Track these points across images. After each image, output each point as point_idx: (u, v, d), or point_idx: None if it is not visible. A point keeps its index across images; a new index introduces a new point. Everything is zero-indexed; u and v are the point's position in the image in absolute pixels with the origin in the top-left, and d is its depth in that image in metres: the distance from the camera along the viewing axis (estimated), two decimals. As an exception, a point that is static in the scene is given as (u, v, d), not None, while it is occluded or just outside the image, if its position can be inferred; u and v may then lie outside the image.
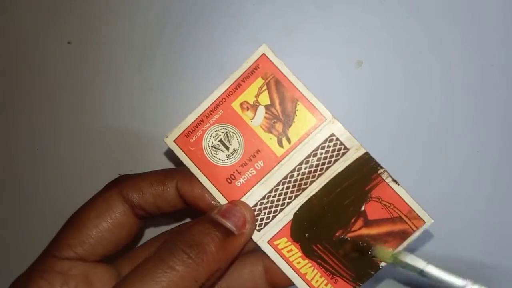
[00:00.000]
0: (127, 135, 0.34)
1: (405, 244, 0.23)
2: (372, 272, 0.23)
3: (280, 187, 0.23)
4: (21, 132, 0.35)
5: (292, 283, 0.24)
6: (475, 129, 0.34)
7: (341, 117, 0.34)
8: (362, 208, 0.23)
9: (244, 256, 0.25)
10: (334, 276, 0.23)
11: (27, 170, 0.35)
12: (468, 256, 0.33)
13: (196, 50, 0.34)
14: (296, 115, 0.23)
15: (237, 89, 0.23)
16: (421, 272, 0.21)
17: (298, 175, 0.23)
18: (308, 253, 0.23)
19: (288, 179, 0.23)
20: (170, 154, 0.34)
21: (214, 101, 0.23)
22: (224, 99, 0.23)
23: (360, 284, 0.23)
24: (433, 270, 0.21)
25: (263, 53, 0.23)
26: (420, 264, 0.21)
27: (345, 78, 0.34)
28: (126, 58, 0.35)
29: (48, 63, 0.35)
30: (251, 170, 0.23)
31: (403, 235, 0.23)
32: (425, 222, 0.23)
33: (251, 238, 0.24)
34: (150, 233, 0.33)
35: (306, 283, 0.23)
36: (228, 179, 0.23)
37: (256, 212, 0.23)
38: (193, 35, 0.34)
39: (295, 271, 0.23)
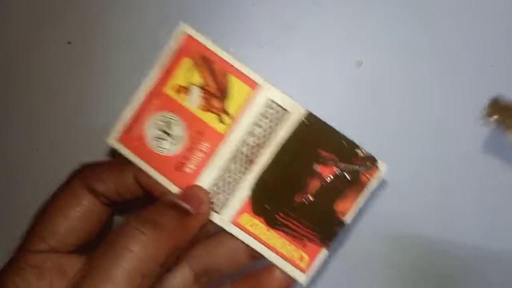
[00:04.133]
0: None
1: (364, 195, 0.22)
2: (338, 229, 0.22)
3: (232, 165, 0.23)
4: (21, 132, 0.35)
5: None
6: (475, 129, 0.34)
7: (341, 117, 0.34)
8: (316, 169, 0.22)
9: (221, 233, 0.25)
10: (302, 240, 0.23)
11: (27, 170, 0.35)
12: (469, 255, 0.33)
13: (196, 50, 0.34)
14: (230, 88, 0.22)
15: (166, 74, 0.22)
16: None
17: (246, 149, 0.22)
18: (273, 224, 0.23)
19: (237, 154, 0.23)
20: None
21: (147, 91, 0.22)
22: (156, 87, 0.22)
23: (329, 243, 0.22)
24: None
25: (185, 32, 0.22)
26: None
27: (345, 78, 0.34)
28: (126, 58, 0.35)
29: (47, 63, 0.35)
30: (198, 154, 0.23)
31: (360, 187, 0.22)
32: (379, 169, 0.22)
33: (211, 221, 0.23)
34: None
35: (277, 254, 0.23)
36: (177, 167, 0.23)
37: (212, 194, 0.23)
38: (193, 35, 0.34)
39: (263, 245, 0.23)
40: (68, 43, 0.35)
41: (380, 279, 0.33)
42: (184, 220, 0.21)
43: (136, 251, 0.19)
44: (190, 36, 0.22)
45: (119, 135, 0.23)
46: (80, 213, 0.23)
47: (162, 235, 0.20)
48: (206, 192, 0.23)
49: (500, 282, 0.33)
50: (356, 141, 0.23)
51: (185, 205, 0.22)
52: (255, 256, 0.24)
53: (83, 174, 0.24)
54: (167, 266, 0.20)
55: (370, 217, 0.33)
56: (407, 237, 0.33)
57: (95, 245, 0.24)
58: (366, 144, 0.35)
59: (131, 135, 0.23)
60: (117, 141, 0.23)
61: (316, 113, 0.33)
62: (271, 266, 0.23)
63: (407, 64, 0.33)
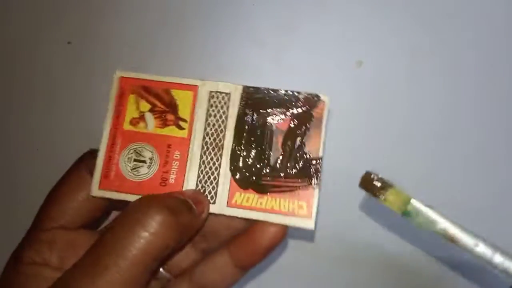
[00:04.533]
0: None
1: (324, 127, 0.25)
2: (318, 166, 0.24)
3: (205, 158, 0.25)
4: (21, 132, 0.35)
5: (260, 258, 0.25)
6: (476, 129, 0.34)
7: (341, 117, 0.34)
8: (274, 127, 0.25)
9: (211, 252, 0.26)
10: (294, 192, 0.25)
11: (27, 170, 0.35)
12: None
13: (195, 50, 0.35)
14: (177, 99, 0.25)
15: (120, 115, 0.25)
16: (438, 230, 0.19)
17: (209, 138, 0.25)
18: (262, 190, 0.25)
19: (205, 147, 0.25)
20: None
21: (109, 135, 0.25)
22: (115, 129, 0.25)
23: (317, 182, 0.24)
24: (453, 231, 0.19)
25: (121, 76, 0.26)
26: (439, 222, 0.19)
27: (345, 78, 0.34)
28: (125, 58, 0.35)
29: (48, 63, 0.35)
30: (174, 163, 0.25)
31: (317, 122, 0.25)
32: (324, 101, 0.25)
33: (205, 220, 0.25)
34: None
35: (277, 214, 0.25)
36: (161, 183, 0.25)
37: (201, 191, 0.25)
38: (193, 35, 0.34)
39: (263, 212, 0.24)
40: (68, 43, 0.35)
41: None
42: (193, 219, 0.23)
43: (151, 232, 0.20)
44: (125, 78, 0.26)
45: (99, 184, 0.25)
46: (86, 195, 0.24)
47: (178, 224, 0.21)
48: (208, 202, 0.24)
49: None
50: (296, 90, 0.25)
51: (193, 205, 0.23)
52: (243, 265, 0.25)
53: (88, 160, 0.26)
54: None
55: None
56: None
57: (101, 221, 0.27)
58: (366, 143, 0.35)
59: (110, 178, 0.25)
60: (99, 189, 0.25)
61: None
62: (261, 222, 0.24)
63: (407, 64, 0.33)
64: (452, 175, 0.33)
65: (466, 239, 0.18)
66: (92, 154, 0.26)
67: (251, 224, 0.25)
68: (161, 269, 0.26)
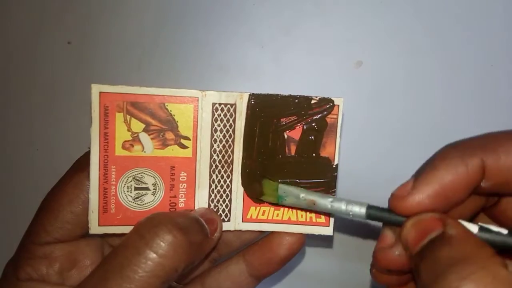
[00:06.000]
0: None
1: (339, 134, 0.23)
2: (334, 174, 0.24)
3: (214, 177, 0.23)
4: (21, 132, 0.35)
5: (276, 268, 0.24)
6: (475, 129, 0.34)
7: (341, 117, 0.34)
8: (286, 136, 0.23)
9: (225, 260, 0.25)
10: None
11: (27, 170, 0.35)
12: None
13: (195, 50, 0.35)
14: (174, 115, 0.22)
15: (107, 137, 0.22)
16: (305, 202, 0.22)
17: (218, 156, 0.23)
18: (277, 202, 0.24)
19: (214, 165, 0.23)
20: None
21: (100, 163, 0.22)
22: (106, 155, 0.22)
23: (334, 190, 0.24)
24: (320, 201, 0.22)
25: (99, 91, 0.22)
26: (301, 193, 0.22)
27: (345, 78, 0.34)
28: (125, 58, 0.35)
29: (48, 63, 0.35)
30: (182, 186, 0.23)
31: (332, 128, 0.23)
32: (338, 105, 0.23)
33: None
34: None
35: (296, 224, 0.24)
36: (170, 210, 0.23)
37: (215, 210, 0.23)
38: (193, 35, 0.34)
39: (280, 223, 0.24)
40: (68, 43, 0.35)
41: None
42: (205, 239, 0.21)
43: (160, 254, 0.19)
44: (107, 93, 0.22)
45: (97, 221, 0.22)
46: (84, 203, 0.22)
47: (189, 244, 0.20)
48: (221, 220, 0.23)
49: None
50: (307, 94, 0.24)
51: (206, 225, 0.22)
52: (259, 275, 0.25)
53: (86, 165, 0.23)
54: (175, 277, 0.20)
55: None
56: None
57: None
58: (366, 142, 0.35)
59: (109, 212, 0.22)
60: (99, 226, 0.22)
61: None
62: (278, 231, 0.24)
63: (407, 64, 0.33)
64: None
65: (322, 200, 0.22)
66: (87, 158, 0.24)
67: (266, 233, 0.24)
68: None
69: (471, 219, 0.23)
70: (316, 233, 0.24)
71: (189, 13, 0.35)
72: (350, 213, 0.21)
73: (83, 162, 0.23)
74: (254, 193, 0.23)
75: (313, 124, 0.23)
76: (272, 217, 0.24)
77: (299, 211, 0.24)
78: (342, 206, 0.21)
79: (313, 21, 0.34)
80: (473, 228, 0.19)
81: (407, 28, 0.33)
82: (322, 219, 0.24)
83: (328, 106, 0.23)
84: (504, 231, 0.19)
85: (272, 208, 0.24)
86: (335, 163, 0.24)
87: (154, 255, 0.19)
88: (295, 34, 0.34)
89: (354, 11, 0.34)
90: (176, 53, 0.35)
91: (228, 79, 0.35)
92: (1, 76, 0.36)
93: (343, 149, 0.34)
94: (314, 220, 0.24)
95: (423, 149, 0.34)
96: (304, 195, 0.22)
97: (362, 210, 0.21)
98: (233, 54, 0.34)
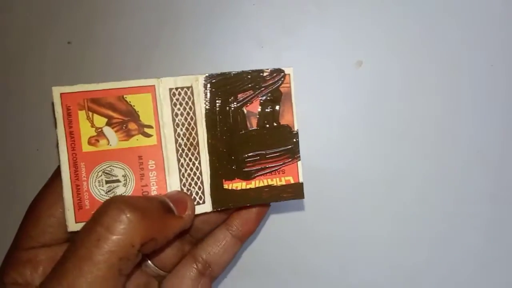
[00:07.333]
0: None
1: (294, 101, 0.24)
2: (296, 140, 0.25)
3: (182, 160, 0.24)
4: (21, 132, 0.35)
5: (254, 225, 0.26)
6: (475, 129, 0.34)
7: (341, 117, 0.34)
8: (245, 110, 0.24)
9: (211, 232, 0.27)
10: (278, 170, 0.25)
11: (27, 170, 0.35)
12: (471, 254, 0.33)
13: (195, 50, 0.35)
14: (134, 105, 0.23)
15: (73, 136, 0.23)
16: None
17: (182, 139, 0.24)
18: (248, 176, 0.25)
19: (180, 149, 0.24)
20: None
21: (69, 162, 0.23)
22: (74, 153, 0.23)
23: (298, 155, 0.25)
24: None
25: (61, 92, 0.23)
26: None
27: (345, 78, 0.34)
28: (125, 58, 0.35)
29: (48, 63, 0.35)
30: (152, 174, 0.23)
31: (286, 97, 0.24)
32: (289, 74, 0.24)
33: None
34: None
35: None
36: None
37: (188, 193, 0.24)
38: (193, 35, 0.34)
39: (254, 197, 0.25)
40: (68, 43, 0.35)
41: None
42: (167, 216, 0.22)
43: (116, 233, 0.20)
44: (67, 94, 0.23)
45: (74, 218, 0.23)
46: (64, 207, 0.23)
47: (143, 223, 0.20)
48: (191, 199, 0.24)
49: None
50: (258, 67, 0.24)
51: (171, 205, 0.23)
52: (241, 235, 0.27)
53: None
54: (144, 253, 0.21)
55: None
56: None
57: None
58: (366, 142, 0.35)
59: (84, 208, 0.23)
60: (77, 223, 0.23)
61: (317, 112, 0.33)
62: None
63: (407, 64, 0.33)
64: (451, 174, 0.33)
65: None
66: None
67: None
68: (152, 264, 0.26)
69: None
70: (290, 199, 0.25)
71: (189, 13, 0.35)
72: None
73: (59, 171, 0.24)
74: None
75: (269, 96, 0.24)
76: (244, 189, 0.25)
77: (269, 181, 0.25)
78: None
79: (313, 21, 0.34)
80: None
81: (407, 28, 0.33)
82: (292, 183, 0.25)
83: (279, 76, 0.24)
84: None
85: (244, 183, 0.25)
86: (295, 129, 0.25)
87: (106, 232, 0.19)
88: (295, 34, 0.34)
89: (354, 11, 0.34)
90: (176, 53, 0.35)
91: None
92: (1, 76, 0.36)
93: (345, 150, 0.34)
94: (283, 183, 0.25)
95: (423, 149, 0.34)
96: None
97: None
98: (233, 54, 0.34)
